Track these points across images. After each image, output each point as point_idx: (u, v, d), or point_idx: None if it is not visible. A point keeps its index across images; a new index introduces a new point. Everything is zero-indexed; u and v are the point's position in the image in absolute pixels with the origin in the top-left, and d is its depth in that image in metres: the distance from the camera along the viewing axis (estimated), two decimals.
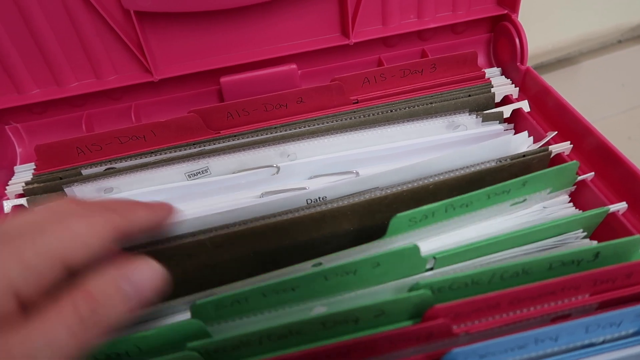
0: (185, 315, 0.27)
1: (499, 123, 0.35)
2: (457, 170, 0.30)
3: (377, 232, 0.30)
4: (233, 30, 0.37)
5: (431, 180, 0.30)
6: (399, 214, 0.26)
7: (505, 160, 0.30)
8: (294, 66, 0.39)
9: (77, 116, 0.39)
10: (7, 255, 0.17)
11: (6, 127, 0.39)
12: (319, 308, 0.25)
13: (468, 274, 0.22)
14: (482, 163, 0.31)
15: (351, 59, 0.41)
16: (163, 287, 0.21)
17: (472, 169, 0.30)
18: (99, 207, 0.21)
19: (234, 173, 0.34)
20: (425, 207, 0.26)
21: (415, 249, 0.25)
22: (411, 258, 0.25)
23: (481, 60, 0.42)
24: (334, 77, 0.37)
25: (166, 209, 0.25)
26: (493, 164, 0.30)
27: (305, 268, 0.27)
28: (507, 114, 0.36)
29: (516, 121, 0.36)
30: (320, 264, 0.27)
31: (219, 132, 0.37)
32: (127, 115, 0.39)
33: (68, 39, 0.35)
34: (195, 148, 0.36)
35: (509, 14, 0.39)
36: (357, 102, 0.38)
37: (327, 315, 0.22)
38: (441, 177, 0.30)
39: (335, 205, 0.29)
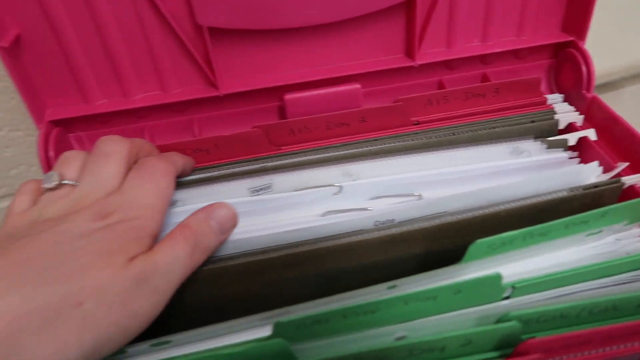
0: (260, 331, 0.27)
1: (564, 150, 0.35)
2: (529, 198, 0.30)
3: (443, 256, 0.30)
4: (299, 47, 0.38)
5: (502, 207, 0.30)
6: (478, 240, 0.26)
7: (578, 190, 0.30)
8: (357, 86, 0.39)
9: (139, 127, 0.39)
10: (149, 217, 0.26)
11: (69, 135, 0.39)
12: (399, 333, 0.25)
13: (557, 308, 0.22)
14: (553, 192, 0.30)
15: (413, 80, 0.41)
16: (236, 223, 0.30)
17: (544, 198, 0.30)
18: (167, 161, 0.30)
19: (296, 190, 0.34)
20: (504, 235, 0.26)
21: (498, 277, 0.25)
22: (492, 286, 0.25)
23: (541, 85, 0.42)
24: (398, 98, 0.37)
25: (191, 160, 0.35)
26: (564, 193, 0.30)
27: (379, 290, 0.26)
28: (572, 142, 0.36)
29: (581, 149, 0.36)
30: (394, 286, 0.27)
31: (280, 148, 0.37)
32: (189, 128, 0.39)
33: (138, 52, 0.36)
34: (258, 164, 0.36)
35: (575, 41, 0.39)
36: (417, 124, 0.38)
37: (415, 342, 0.22)
38: (513, 205, 0.30)
39: (405, 228, 0.29)
